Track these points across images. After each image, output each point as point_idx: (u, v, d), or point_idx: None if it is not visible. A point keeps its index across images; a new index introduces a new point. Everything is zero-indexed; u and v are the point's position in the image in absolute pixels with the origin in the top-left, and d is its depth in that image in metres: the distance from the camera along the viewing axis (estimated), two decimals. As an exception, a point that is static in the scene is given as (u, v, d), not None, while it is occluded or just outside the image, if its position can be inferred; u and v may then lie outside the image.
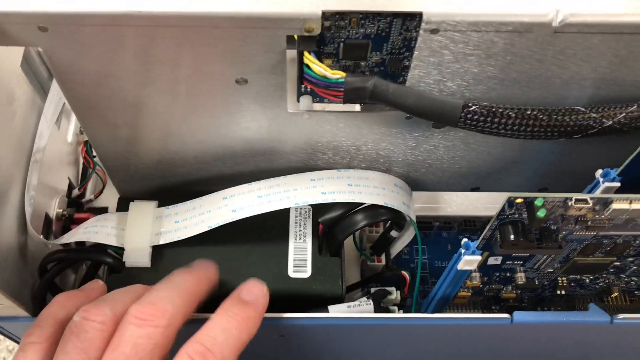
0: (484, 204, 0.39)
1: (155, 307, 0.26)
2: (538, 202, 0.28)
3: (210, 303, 0.29)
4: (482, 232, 0.31)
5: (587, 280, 0.36)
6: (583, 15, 0.26)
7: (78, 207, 0.40)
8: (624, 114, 0.29)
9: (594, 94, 0.30)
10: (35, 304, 0.34)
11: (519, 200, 0.28)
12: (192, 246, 0.34)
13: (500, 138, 0.30)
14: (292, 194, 0.33)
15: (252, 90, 0.30)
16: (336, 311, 0.33)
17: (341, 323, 0.32)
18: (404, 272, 0.38)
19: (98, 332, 0.26)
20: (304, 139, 0.34)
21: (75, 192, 0.41)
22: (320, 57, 0.28)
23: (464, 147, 0.35)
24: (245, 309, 0.29)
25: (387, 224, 0.37)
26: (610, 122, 0.29)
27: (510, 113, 0.29)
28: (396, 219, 0.34)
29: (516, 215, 0.30)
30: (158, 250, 0.34)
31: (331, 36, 0.27)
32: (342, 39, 0.27)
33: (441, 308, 0.36)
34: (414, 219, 0.35)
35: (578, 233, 0.31)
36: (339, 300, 0.34)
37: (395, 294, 0.37)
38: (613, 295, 0.38)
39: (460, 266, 0.31)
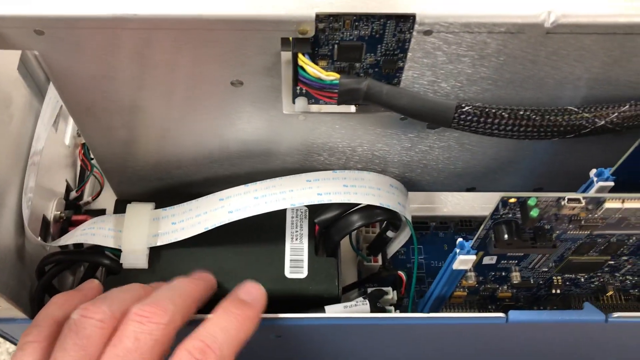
0: (480, 204, 0.40)
1: (157, 305, 0.27)
2: (531, 202, 0.28)
3: (207, 304, 0.30)
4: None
5: (582, 279, 0.36)
6: (575, 16, 0.26)
7: (76, 209, 0.40)
8: (616, 114, 0.29)
9: (587, 94, 0.30)
10: (33, 306, 0.34)
11: (512, 200, 0.29)
12: (189, 247, 0.34)
13: (494, 138, 0.30)
14: (288, 195, 0.33)
15: (248, 92, 0.30)
16: (333, 311, 0.33)
17: (338, 323, 0.33)
18: (400, 272, 0.38)
19: (97, 330, 0.26)
20: (300, 140, 0.34)
21: (73, 194, 0.41)
22: (315, 59, 0.28)
23: (459, 147, 0.35)
24: (244, 309, 0.29)
25: (383, 225, 0.37)
26: (603, 122, 0.29)
27: (503, 113, 0.29)
28: (392, 219, 0.34)
29: (510, 215, 0.30)
30: (155, 252, 0.34)
31: (325, 38, 0.27)
32: (337, 41, 0.27)
33: (437, 308, 0.37)
34: (409, 219, 0.35)
35: (572, 232, 0.31)
36: (335, 300, 0.34)
37: (391, 294, 0.37)
38: (608, 294, 0.38)
39: (456, 266, 0.31)
